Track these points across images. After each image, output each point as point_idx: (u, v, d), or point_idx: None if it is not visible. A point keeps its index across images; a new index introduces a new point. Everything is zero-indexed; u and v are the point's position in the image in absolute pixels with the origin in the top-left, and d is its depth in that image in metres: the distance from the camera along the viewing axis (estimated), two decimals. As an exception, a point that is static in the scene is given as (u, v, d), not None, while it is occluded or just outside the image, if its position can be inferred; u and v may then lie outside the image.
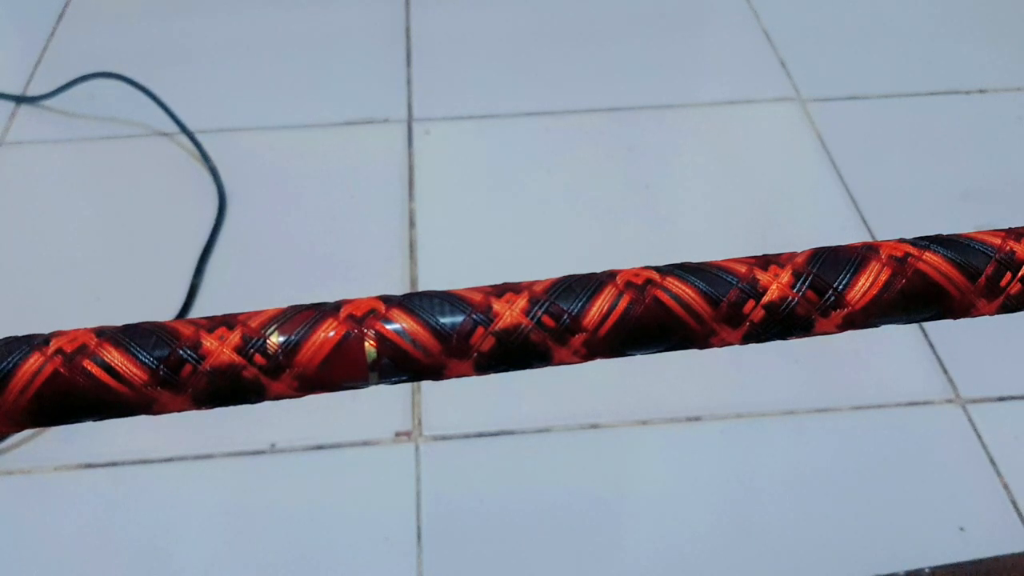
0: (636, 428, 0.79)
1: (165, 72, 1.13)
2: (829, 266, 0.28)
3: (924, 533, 0.73)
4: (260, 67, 1.18)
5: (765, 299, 0.28)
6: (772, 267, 0.28)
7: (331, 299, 0.30)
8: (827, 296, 0.28)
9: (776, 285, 0.28)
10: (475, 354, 0.27)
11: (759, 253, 0.31)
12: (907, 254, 0.29)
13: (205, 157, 1.03)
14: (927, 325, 0.86)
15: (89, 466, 0.77)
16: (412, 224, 0.97)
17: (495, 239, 0.96)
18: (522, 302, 0.27)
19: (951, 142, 1.07)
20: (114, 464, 0.77)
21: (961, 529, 0.73)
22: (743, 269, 0.28)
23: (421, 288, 0.89)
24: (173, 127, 1.06)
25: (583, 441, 0.79)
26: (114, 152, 1.06)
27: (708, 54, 1.23)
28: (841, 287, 0.28)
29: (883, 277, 0.28)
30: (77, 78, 1.09)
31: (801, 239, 0.38)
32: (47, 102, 1.11)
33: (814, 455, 0.78)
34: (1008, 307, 0.29)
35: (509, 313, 0.27)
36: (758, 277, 0.28)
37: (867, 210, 0.98)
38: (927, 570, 0.63)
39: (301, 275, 0.92)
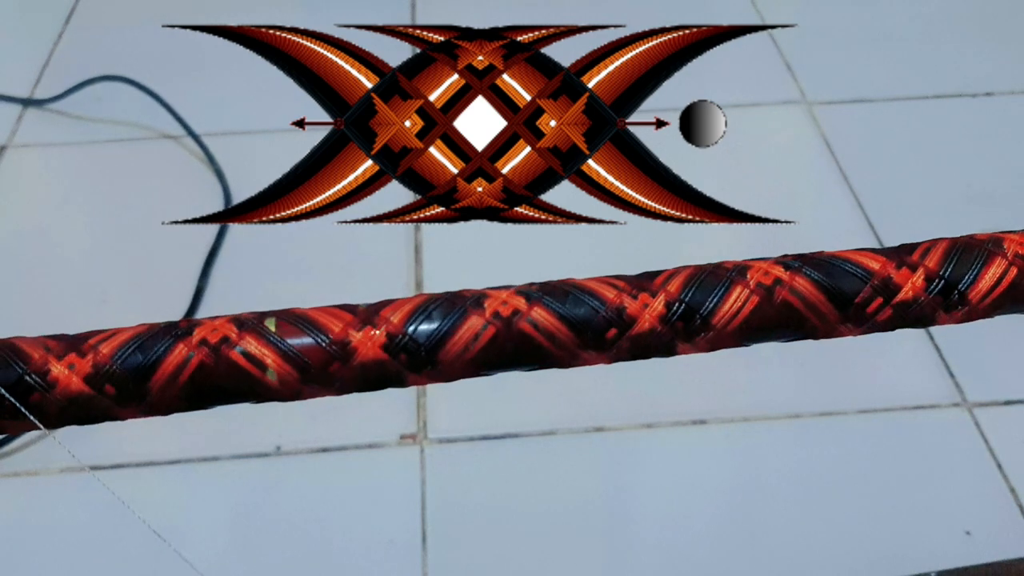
0: (641, 431, 0.79)
1: (171, 75, 1.13)
2: (699, 290, 0.29)
3: (930, 537, 0.72)
4: (266, 70, 1.17)
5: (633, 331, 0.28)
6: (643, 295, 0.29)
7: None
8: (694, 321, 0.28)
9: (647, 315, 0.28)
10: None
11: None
12: (776, 280, 0.28)
13: (211, 160, 1.03)
14: (934, 329, 0.86)
15: (95, 468, 0.77)
16: (417, 226, 0.97)
17: (501, 242, 0.96)
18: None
19: (957, 145, 1.07)
20: (120, 466, 0.77)
21: (967, 533, 0.73)
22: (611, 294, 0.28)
23: (426, 291, 0.89)
24: (179, 130, 1.06)
25: (588, 444, 0.78)
26: (120, 155, 1.06)
27: (713, 57, 1.22)
28: (707, 312, 0.28)
29: (749, 304, 0.28)
30: (84, 81, 1.10)
31: (806, 243, 0.38)
32: (54, 105, 1.11)
33: (819, 459, 0.77)
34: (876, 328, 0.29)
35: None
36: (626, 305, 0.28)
37: (873, 213, 0.98)
38: (933, 574, 0.63)
39: (307, 278, 0.92)
